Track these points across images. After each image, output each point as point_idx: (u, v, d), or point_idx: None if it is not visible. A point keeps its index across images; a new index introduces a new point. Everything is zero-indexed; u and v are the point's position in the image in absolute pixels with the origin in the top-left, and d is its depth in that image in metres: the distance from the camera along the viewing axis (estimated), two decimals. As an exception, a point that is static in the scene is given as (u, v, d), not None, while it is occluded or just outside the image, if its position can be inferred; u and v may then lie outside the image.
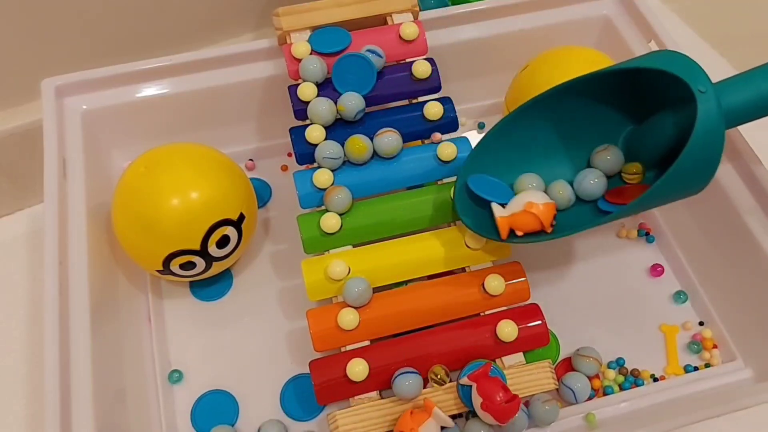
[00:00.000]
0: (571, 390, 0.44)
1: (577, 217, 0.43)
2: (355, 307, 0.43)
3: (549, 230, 0.41)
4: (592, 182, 0.43)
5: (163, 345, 0.48)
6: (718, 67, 0.64)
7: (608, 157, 0.44)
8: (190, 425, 0.45)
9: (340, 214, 0.44)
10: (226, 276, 0.51)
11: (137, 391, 0.44)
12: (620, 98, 0.43)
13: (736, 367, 0.47)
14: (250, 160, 0.57)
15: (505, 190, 0.44)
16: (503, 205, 0.42)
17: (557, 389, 0.44)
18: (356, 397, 0.42)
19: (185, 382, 0.46)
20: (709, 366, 0.47)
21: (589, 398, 0.45)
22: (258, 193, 0.51)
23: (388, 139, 0.45)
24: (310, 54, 0.47)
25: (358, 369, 0.41)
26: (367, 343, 0.43)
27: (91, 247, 0.44)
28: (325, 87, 0.47)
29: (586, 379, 0.45)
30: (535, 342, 0.44)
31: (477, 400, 0.40)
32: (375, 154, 0.46)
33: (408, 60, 0.48)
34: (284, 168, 0.57)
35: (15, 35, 0.53)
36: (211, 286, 0.50)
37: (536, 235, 0.41)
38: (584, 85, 0.42)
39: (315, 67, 0.46)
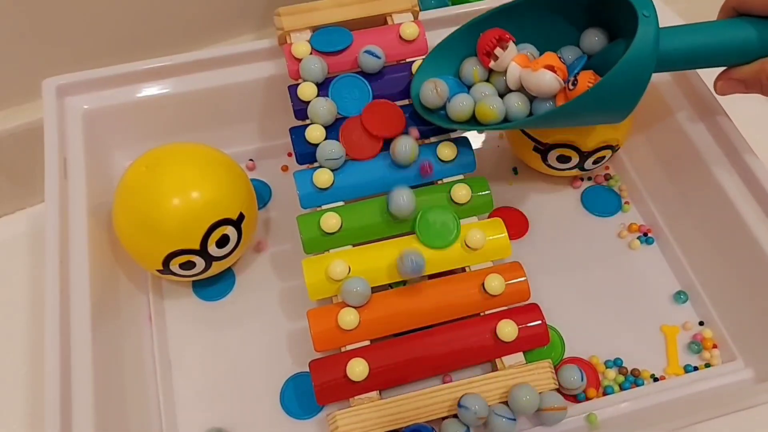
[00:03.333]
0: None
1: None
2: (355, 307, 0.43)
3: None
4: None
5: (163, 344, 0.48)
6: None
7: (569, 56, 0.45)
8: (189, 425, 0.45)
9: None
10: (228, 276, 0.51)
11: (137, 391, 0.44)
12: (587, 19, 0.45)
13: (736, 367, 0.46)
14: (251, 160, 0.57)
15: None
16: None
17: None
18: (356, 397, 0.42)
19: (185, 381, 0.46)
20: (709, 366, 0.47)
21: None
22: (258, 193, 0.51)
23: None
24: (311, 54, 0.47)
25: (358, 369, 0.41)
26: (367, 343, 0.43)
27: (92, 247, 0.44)
28: (325, 87, 0.47)
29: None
30: (535, 342, 0.44)
31: None
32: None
33: (408, 60, 0.48)
34: (284, 168, 0.57)
35: (16, 35, 0.53)
36: (213, 285, 0.50)
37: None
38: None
39: (315, 66, 0.46)
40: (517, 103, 0.43)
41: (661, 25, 0.40)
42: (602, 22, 0.45)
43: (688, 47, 0.42)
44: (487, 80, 0.46)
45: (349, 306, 0.43)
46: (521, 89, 0.44)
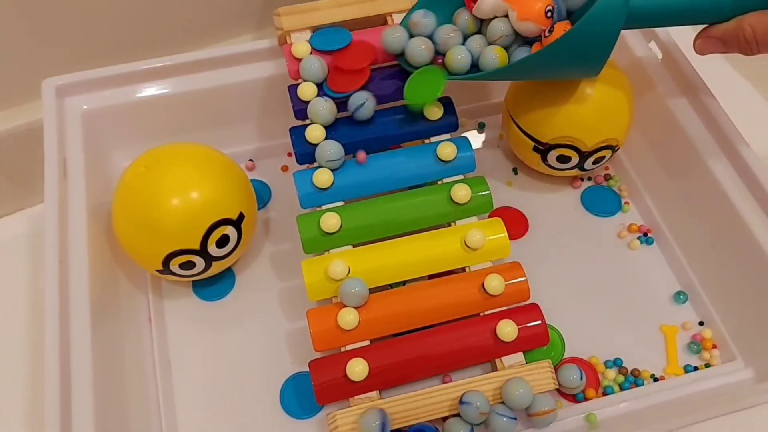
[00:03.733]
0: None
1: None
2: (354, 308, 0.43)
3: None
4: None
5: (163, 344, 0.48)
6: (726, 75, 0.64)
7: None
8: (189, 425, 0.45)
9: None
10: (228, 276, 0.51)
11: (138, 391, 0.45)
12: None
13: (736, 367, 0.46)
14: (251, 160, 0.57)
15: None
16: None
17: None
18: (356, 397, 0.42)
19: (185, 381, 0.46)
20: (709, 366, 0.47)
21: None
22: (258, 193, 0.51)
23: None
24: (311, 53, 0.47)
25: (358, 369, 0.41)
26: (367, 343, 0.43)
27: (91, 247, 0.44)
28: (325, 86, 0.47)
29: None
30: (535, 342, 0.44)
31: None
32: (375, 150, 0.46)
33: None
34: (284, 168, 0.57)
35: (15, 35, 0.53)
36: (213, 285, 0.50)
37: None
38: None
39: (315, 66, 0.46)
40: (501, 27, 0.43)
41: None
42: None
43: (663, 3, 0.42)
44: (479, 32, 0.46)
45: (348, 306, 0.43)
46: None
